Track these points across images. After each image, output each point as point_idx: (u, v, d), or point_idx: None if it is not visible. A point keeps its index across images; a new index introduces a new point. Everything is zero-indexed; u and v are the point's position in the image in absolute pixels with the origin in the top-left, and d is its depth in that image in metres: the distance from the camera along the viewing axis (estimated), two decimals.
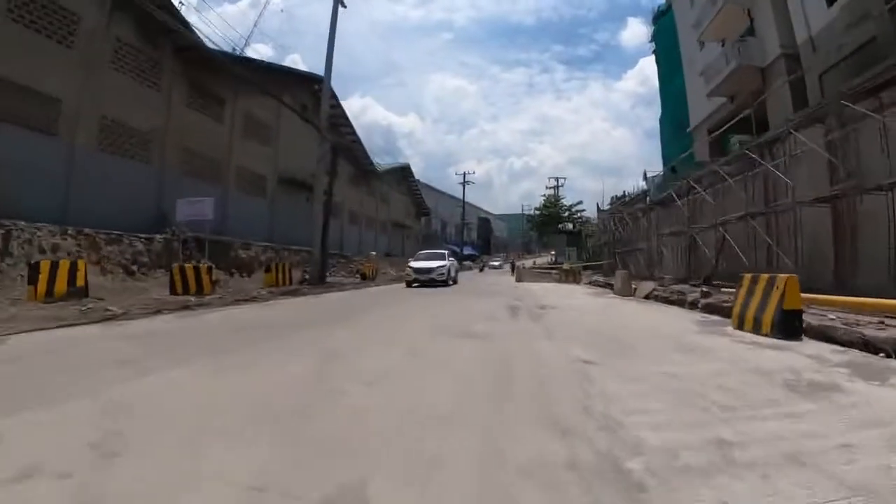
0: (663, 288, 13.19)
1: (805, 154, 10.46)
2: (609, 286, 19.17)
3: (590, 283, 23.63)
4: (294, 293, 14.37)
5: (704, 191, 13.91)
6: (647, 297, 13.80)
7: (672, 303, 11.28)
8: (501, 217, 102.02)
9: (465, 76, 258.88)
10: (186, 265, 13.32)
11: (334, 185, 31.77)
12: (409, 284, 19.07)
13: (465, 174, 61.41)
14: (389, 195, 46.46)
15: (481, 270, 50.41)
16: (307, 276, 18.24)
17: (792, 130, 9.88)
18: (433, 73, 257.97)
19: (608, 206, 35.22)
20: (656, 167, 28.98)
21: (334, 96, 31.33)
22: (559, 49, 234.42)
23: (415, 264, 19.69)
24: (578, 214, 59.14)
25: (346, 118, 33.14)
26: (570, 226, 57.47)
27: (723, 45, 19.14)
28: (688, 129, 23.05)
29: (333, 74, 19.86)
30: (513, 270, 34.90)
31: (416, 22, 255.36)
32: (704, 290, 9.98)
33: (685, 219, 15.84)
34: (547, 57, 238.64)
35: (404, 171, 50.44)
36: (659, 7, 30.82)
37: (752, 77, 16.80)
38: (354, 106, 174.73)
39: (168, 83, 19.95)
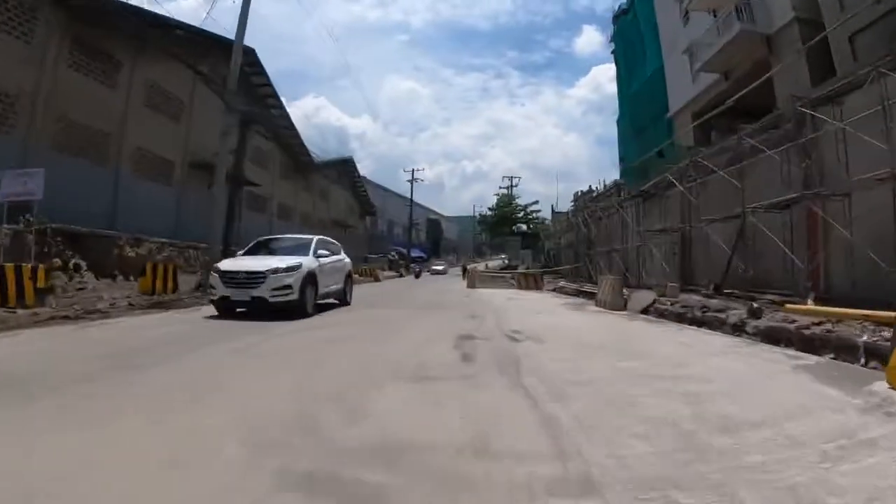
0: (668, 300, 10.01)
1: (864, 119, 7.59)
2: (583, 294, 16.11)
3: (555, 290, 20.56)
4: (164, 305, 10.18)
5: (718, 171, 10.85)
6: (644, 311, 10.65)
7: (694, 322, 8.08)
8: (452, 219, 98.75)
9: (419, 79, 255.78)
10: (7, 265, 9.32)
11: (261, 175, 27.69)
12: (219, 309, 8.82)
13: (413, 170, 55.31)
14: (329, 191, 41.93)
15: (417, 276, 38.17)
16: (202, 281, 13.90)
17: (884, 70, 6.86)
18: (388, 75, 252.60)
19: (571, 204, 32.44)
20: (606, 172, 26.90)
21: (264, 73, 27.20)
22: (514, 55, 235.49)
23: (227, 265, 9.17)
24: (534, 215, 56.64)
25: (277, 96, 28.88)
26: (525, 227, 54.83)
27: (714, 16, 16.52)
28: (667, 115, 20.50)
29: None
30: (464, 275, 31.37)
31: (372, 22, 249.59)
32: (755, 305, 6.78)
33: (684, 211, 12.81)
34: (502, 62, 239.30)
35: (347, 165, 45.74)
36: (620, 6, 30.47)
37: (755, 47, 14.17)
38: (308, 106, 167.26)
39: (43, 35, 15.69)
